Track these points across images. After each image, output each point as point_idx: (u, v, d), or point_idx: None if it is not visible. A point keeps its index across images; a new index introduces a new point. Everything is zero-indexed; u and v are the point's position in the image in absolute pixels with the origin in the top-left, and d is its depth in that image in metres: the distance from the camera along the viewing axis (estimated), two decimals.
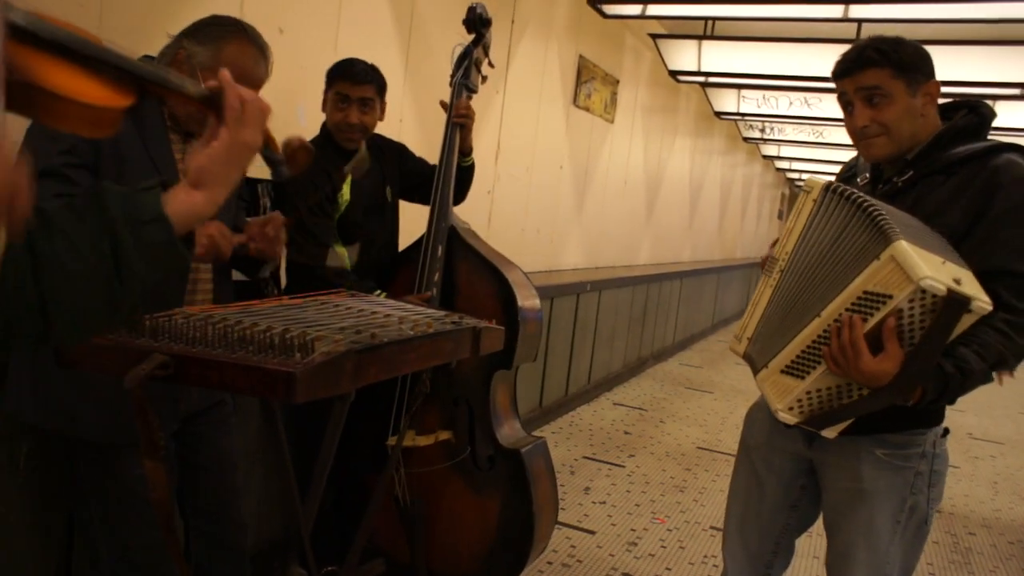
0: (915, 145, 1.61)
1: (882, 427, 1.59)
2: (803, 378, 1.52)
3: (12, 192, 0.67)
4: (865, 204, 1.46)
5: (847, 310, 1.44)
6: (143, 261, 0.84)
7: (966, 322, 1.38)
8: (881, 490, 1.62)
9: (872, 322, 1.41)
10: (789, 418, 1.55)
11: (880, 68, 1.57)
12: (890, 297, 1.37)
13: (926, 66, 1.58)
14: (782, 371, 1.56)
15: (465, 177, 2.53)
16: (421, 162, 2.62)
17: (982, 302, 1.36)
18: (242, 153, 0.94)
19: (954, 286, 1.33)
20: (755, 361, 1.65)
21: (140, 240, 0.83)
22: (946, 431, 1.65)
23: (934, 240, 1.46)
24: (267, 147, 1.06)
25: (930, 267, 1.34)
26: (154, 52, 1.66)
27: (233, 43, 1.57)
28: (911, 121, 1.58)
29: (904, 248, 1.35)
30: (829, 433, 1.54)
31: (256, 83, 1.61)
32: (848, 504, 1.66)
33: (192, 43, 1.57)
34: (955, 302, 1.34)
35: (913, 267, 1.33)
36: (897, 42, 1.58)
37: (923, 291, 1.34)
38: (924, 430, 1.61)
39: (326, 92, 2.35)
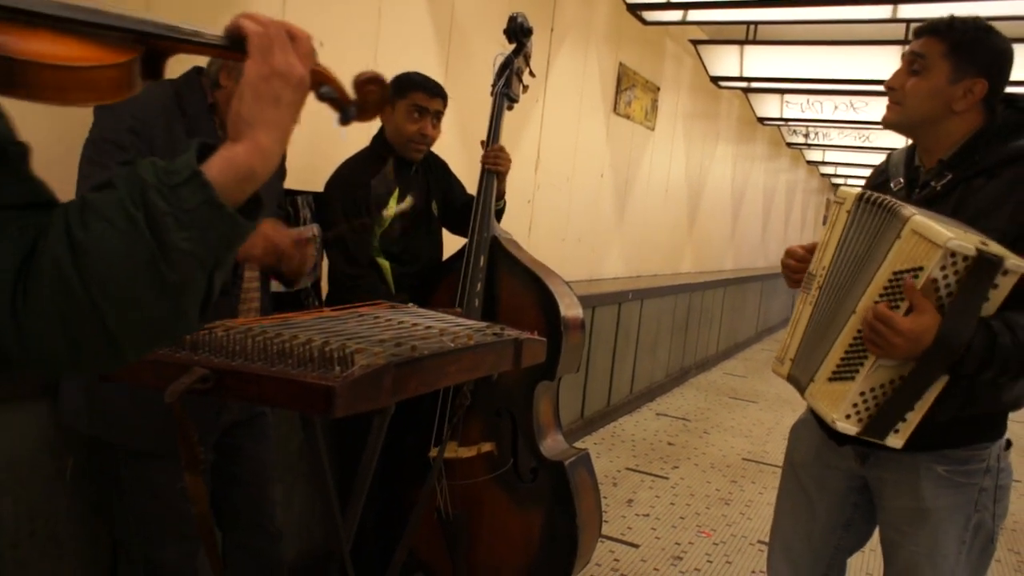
0: (947, 141, 1.55)
1: (942, 442, 1.51)
2: (853, 379, 1.45)
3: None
4: (888, 203, 1.43)
5: (880, 296, 1.39)
6: (184, 230, 0.71)
7: (1005, 286, 1.34)
8: (944, 508, 1.54)
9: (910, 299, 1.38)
10: (849, 428, 1.45)
11: (937, 40, 1.53)
12: (921, 269, 1.35)
13: (987, 63, 1.51)
14: (830, 379, 1.49)
15: (495, 219, 2.51)
16: (460, 186, 2.61)
17: (1017, 261, 1.33)
18: (276, 85, 0.79)
19: (983, 246, 1.32)
20: (800, 380, 1.59)
21: (176, 205, 0.71)
22: (1009, 443, 1.58)
23: (957, 224, 1.41)
24: (323, 84, 0.89)
25: (952, 230, 1.33)
26: (200, 62, 1.68)
27: None
28: (934, 105, 1.53)
29: (922, 219, 1.35)
30: (895, 442, 1.43)
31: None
32: (909, 523, 1.59)
33: None
34: (986, 261, 1.32)
35: (936, 234, 1.32)
36: (976, 27, 1.53)
37: (952, 253, 1.32)
38: (986, 444, 1.54)
39: (393, 102, 2.31)
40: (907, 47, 1.60)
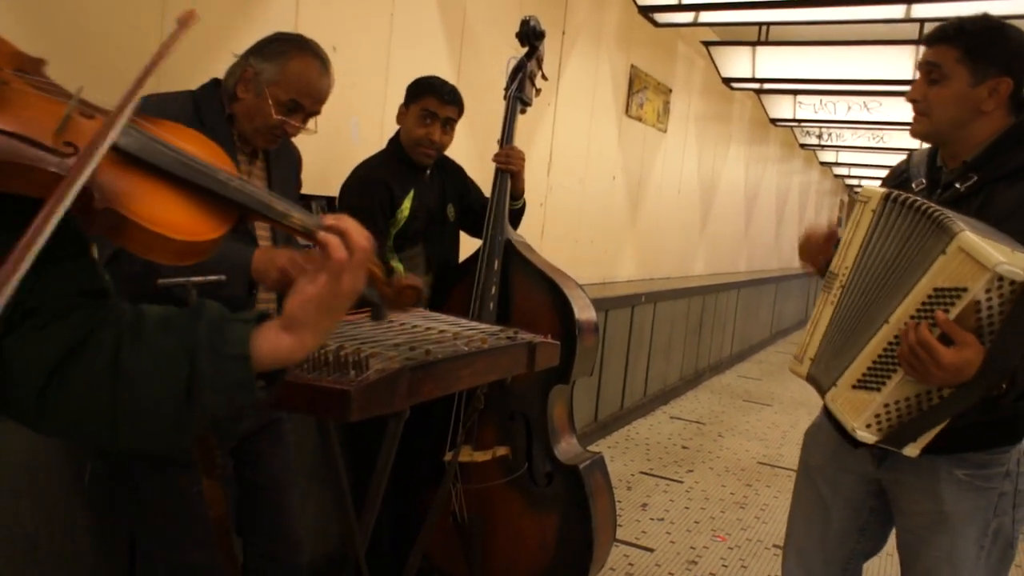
0: (971, 142, 1.52)
1: (961, 446, 1.49)
2: (878, 390, 1.42)
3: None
4: (931, 211, 1.37)
5: (918, 311, 1.35)
6: (215, 394, 0.80)
7: None
8: (963, 513, 1.52)
9: (949, 317, 1.32)
10: (868, 436, 1.44)
11: (949, 47, 1.50)
12: (964, 290, 1.29)
13: (1006, 60, 1.48)
14: (854, 386, 1.47)
15: (516, 217, 2.51)
16: (477, 189, 2.62)
17: None
18: (341, 302, 0.85)
19: None
20: (820, 381, 1.56)
21: (218, 372, 0.80)
22: None
23: (1003, 237, 1.37)
24: (371, 286, 0.96)
25: (1003, 254, 1.27)
26: (218, 73, 1.68)
27: (297, 58, 1.62)
28: (960, 110, 1.51)
29: (971, 237, 1.28)
30: (911, 451, 1.42)
31: (321, 95, 1.66)
32: (928, 528, 1.57)
33: (258, 60, 1.62)
34: None
35: (986, 256, 1.26)
36: (988, 27, 1.50)
37: (1000, 278, 1.26)
38: (1007, 447, 1.51)
39: (408, 105, 2.35)
40: (921, 57, 1.58)
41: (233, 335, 0.81)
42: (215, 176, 0.83)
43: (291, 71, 1.61)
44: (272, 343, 0.83)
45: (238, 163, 1.66)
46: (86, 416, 0.80)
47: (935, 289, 1.33)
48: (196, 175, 0.82)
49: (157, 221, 0.77)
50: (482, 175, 2.63)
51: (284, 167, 1.81)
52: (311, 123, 1.70)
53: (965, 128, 1.53)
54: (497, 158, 2.41)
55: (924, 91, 1.54)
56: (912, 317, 1.36)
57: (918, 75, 1.58)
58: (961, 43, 1.49)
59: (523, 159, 2.43)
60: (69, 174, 0.70)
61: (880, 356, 1.42)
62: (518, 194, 2.46)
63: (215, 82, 1.69)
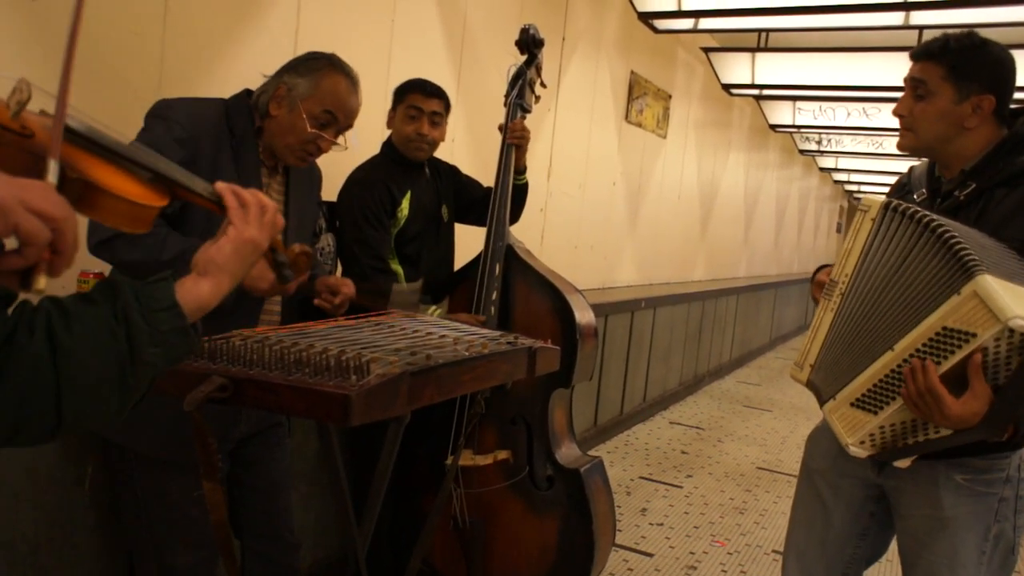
0: (959, 155, 1.56)
1: (961, 451, 1.49)
2: (876, 413, 1.44)
3: (61, 227, 0.73)
4: (932, 223, 1.38)
5: (924, 346, 1.35)
6: (157, 347, 0.86)
7: None
8: (963, 518, 1.53)
9: (954, 360, 1.32)
10: (860, 452, 1.48)
11: (935, 64, 1.53)
12: (973, 335, 1.28)
13: (988, 78, 1.52)
14: (852, 404, 1.48)
15: (520, 195, 2.52)
16: (474, 183, 2.64)
17: None
18: (246, 250, 1.02)
19: None
20: (820, 390, 1.58)
21: (154, 327, 0.86)
22: None
23: (1010, 261, 1.38)
24: (275, 251, 1.15)
25: (1017, 303, 1.24)
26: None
27: (329, 75, 1.68)
28: (945, 127, 1.54)
29: (988, 284, 1.26)
30: (901, 463, 1.46)
31: (352, 111, 1.71)
32: (928, 533, 1.57)
33: (292, 76, 1.67)
34: None
35: (1001, 308, 1.23)
36: (972, 45, 1.52)
37: (1011, 331, 1.25)
38: (1007, 453, 1.52)
39: (394, 108, 2.41)
40: (907, 73, 1.61)
41: (158, 292, 0.88)
42: (144, 151, 0.95)
43: (324, 85, 1.66)
44: (194, 291, 0.94)
45: (260, 175, 1.70)
46: (30, 400, 0.78)
47: (944, 328, 1.32)
48: (131, 151, 0.93)
49: (118, 187, 0.88)
50: (483, 176, 2.64)
51: (304, 182, 1.83)
52: (341, 139, 1.73)
53: (951, 143, 1.56)
54: (512, 131, 2.43)
55: (910, 106, 1.58)
56: (918, 350, 1.36)
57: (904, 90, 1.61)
58: (946, 60, 1.52)
59: (529, 136, 2.48)
60: (51, 146, 0.78)
61: (881, 380, 1.43)
62: (522, 168, 2.49)
63: (247, 92, 1.72)
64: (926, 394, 1.34)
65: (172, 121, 1.56)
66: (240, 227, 1.02)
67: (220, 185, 1.05)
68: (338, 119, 1.68)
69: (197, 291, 0.95)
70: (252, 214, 1.04)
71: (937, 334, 1.34)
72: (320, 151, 1.71)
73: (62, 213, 0.74)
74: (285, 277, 1.19)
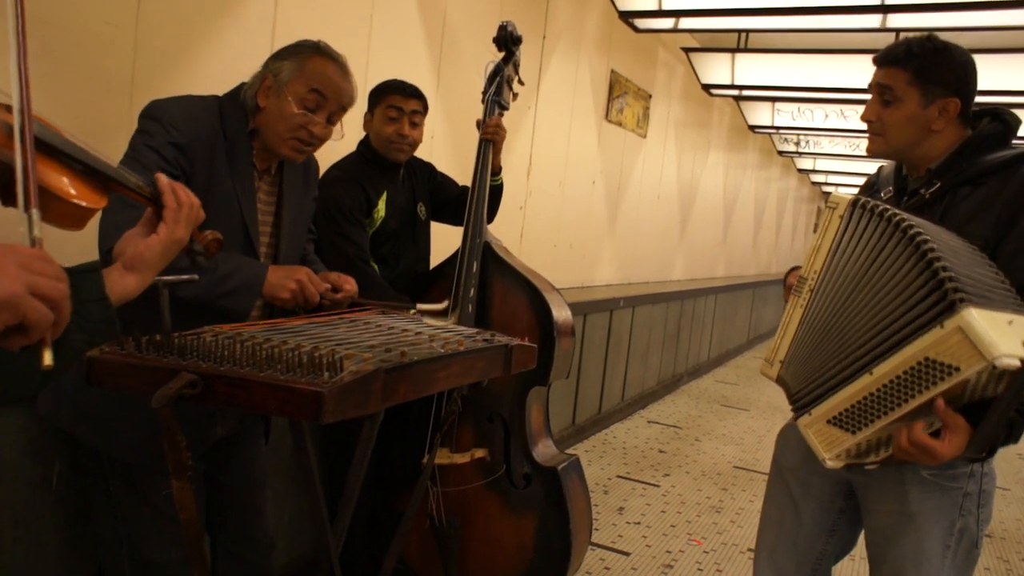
0: (927, 157, 1.59)
1: None
2: (854, 433, 1.43)
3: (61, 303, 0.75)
4: (903, 223, 1.38)
5: (905, 373, 1.33)
6: (83, 334, 0.91)
7: None
8: (929, 512, 1.55)
9: (935, 391, 1.30)
10: (836, 464, 1.47)
11: (900, 70, 1.56)
12: (957, 369, 1.26)
13: (953, 81, 1.54)
14: (829, 421, 1.47)
15: (495, 196, 2.51)
16: (449, 181, 2.63)
17: None
18: (174, 248, 1.09)
19: None
20: (790, 386, 1.58)
21: (83, 316, 0.90)
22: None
23: (981, 269, 1.38)
24: (192, 239, 1.18)
25: (1001, 337, 1.22)
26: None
27: (315, 58, 1.63)
28: (914, 131, 1.57)
29: (973, 319, 1.23)
30: (870, 465, 1.47)
31: (342, 95, 1.65)
32: (894, 528, 1.59)
33: (277, 62, 1.63)
34: None
35: (987, 346, 1.21)
36: (934, 49, 1.55)
37: (995, 366, 1.23)
38: None
39: (372, 110, 2.40)
40: (872, 79, 1.62)
41: (89, 283, 0.94)
42: (86, 151, 0.96)
43: (310, 66, 1.61)
44: (120, 283, 1.01)
45: (254, 177, 1.67)
46: None
47: (927, 359, 1.30)
48: (76, 151, 0.94)
49: (65, 191, 0.90)
50: (461, 174, 2.63)
51: (297, 180, 1.79)
52: (336, 129, 1.67)
53: (919, 146, 1.59)
54: (487, 128, 2.42)
55: (879, 112, 1.60)
56: (899, 377, 1.34)
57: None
58: (911, 65, 1.54)
59: (504, 134, 2.47)
60: (28, 197, 0.79)
61: (860, 402, 1.41)
62: (496, 169, 2.48)
63: (241, 85, 1.68)
64: (916, 448, 1.34)
65: (168, 124, 1.52)
66: (172, 227, 1.08)
67: (163, 182, 1.09)
68: (327, 98, 1.62)
69: (124, 284, 1.01)
70: (183, 214, 1.09)
71: (919, 363, 1.31)
72: (314, 139, 1.63)
73: (64, 292, 0.76)
74: (199, 264, 1.21)
